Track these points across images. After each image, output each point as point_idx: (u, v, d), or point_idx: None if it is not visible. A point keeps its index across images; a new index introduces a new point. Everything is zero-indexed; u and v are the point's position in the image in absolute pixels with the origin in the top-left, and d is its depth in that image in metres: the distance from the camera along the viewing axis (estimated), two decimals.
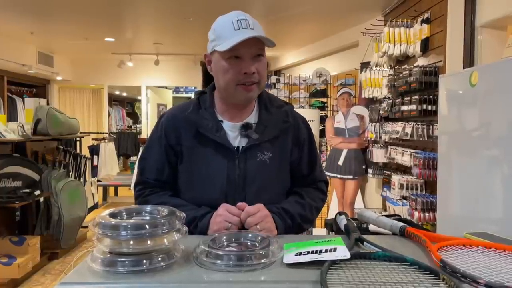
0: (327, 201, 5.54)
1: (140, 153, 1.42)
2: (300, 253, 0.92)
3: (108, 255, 0.87)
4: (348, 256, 0.86)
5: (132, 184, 5.04)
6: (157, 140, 1.32)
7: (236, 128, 1.28)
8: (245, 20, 1.18)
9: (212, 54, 1.24)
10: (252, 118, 1.31)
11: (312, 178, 1.40)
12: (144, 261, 0.86)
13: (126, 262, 0.86)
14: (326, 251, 0.90)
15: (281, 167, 1.31)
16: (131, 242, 0.87)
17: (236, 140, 1.27)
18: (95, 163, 6.00)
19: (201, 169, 1.26)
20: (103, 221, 0.89)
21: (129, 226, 0.87)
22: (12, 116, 6.77)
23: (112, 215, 0.94)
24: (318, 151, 5.14)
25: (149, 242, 0.88)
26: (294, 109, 1.40)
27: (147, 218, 0.98)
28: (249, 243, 1.00)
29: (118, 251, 0.88)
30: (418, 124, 3.44)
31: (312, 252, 0.91)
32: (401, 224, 1.14)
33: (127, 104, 11.55)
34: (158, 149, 1.31)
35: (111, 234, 0.87)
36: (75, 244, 4.53)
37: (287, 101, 1.44)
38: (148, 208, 1.01)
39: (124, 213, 0.98)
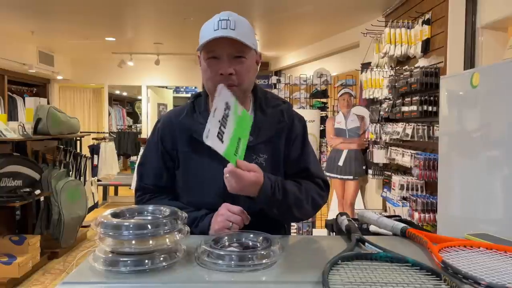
0: (327, 201, 5.53)
1: (139, 158, 1.41)
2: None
3: (110, 255, 0.88)
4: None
5: (133, 184, 5.05)
6: (154, 145, 1.32)
7: None
8: (226, 21, 1.15)
9: (201, 54, 1.24)
10: None
11: (308, 174, 1.33)
12: (146, 261, 0.86)
13: (128, 261, 0.86)
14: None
15: (277, 168, 1.29)
16: (133, 242, 0.87)
17: None
18: (95, 162, 5.99)
19: (197, 174, 1.25)
20: (105, 221, 0.89)
21: (131, 226, 0.87)
22: (12, 115, 6.78)
23: (114, 215, 0.94)
24: (319, 151, 5.09)
25: (151, 242, 0.88)
26: (293, 108, 1.37)
27: (149, 218, 0.98)
28: (250, 244, 1.00)
29: (120, 251, 0.88)
30: (418, 125, 3.44)
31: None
32: (402, 225, 1.15)
33: (127, 103, 11.56)
34: (155, 155, 1.31)
35: (113, 234, 0.87)
36: (75, 243, 4.53)
37: (286, 101, 1.40)
38: (150, 208, 1.01)
39: (126, 213, 0.99)
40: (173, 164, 1.30)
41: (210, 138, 1.01)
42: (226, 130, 1.05)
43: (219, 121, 1.04)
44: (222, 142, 1.03)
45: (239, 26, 1.16)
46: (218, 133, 1.04)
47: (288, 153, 1.31)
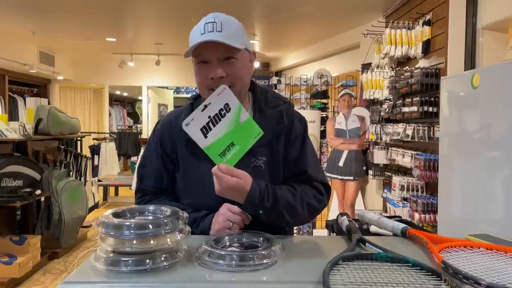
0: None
1: (139, 160, 1.41)
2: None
3: (111, 255, 0.88)
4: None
5: (133, 185, 5.05)
6: (154, 147, 1.32)
7: None
8: (213, 23, 1.13)
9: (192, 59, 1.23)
10: None
11: (306, 177, 1.28)
12: (147, 261, 0.86)
13: (129, 261, 0.86)
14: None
15: (276, 171, 1.27)
16: (134, 241, 0.87)
17: None
18: (95, 163, 6.00)
19: (196, 177, 1.24)
20: (106, 221, 0.89)
21: (132, 225, 0.87)
22: (13, 115, 6.79)
23: (116, 215, 0.95)
24: (319, 152, 5.09)
25: (152, 241, 0.88)
26: (293, 108, 1.34)
27: (150, 218, 0.98)
28: (251, 244, 1.00)
29: (121, 251, 0.88)
30: (419, 126, 3.45)
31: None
32: (403, 225, 1.15)
33: (127, 104, 11.56)
34: (155, 157, 1.31)
35: (114, 234, 0.87)
36: (76, 243, 4.53)
37: (288, 100, 1.36)
38: (151, 208, 1.01)
39: (127, 212, 0.99)
40: (173, 167, 1.30)
41: (191, 127, 1.03)
42: (216, 129, 1.06)
43: (209, 117, 1.06)
44: (206, 137, 1.05)
45: (226, 27, 1.14)
46: (204, 127, 1.05)
47: (286, 155, 1.28)
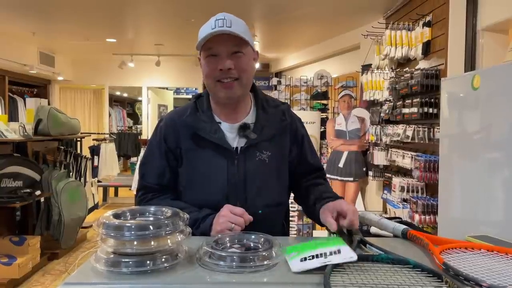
0: None
1: (140, 158, 1.42)
2: (305, 258, 0.90)
3: (112, 256, 0.88)
4: (355, 258, 0.86)
5: (133, 185, 5.04)
6: (156, 145, 1.33)
7: (234, 128, 1.30)
8: (223, 20, 1.19)
9: (200, 55, 1.28)
10: (249, 118, 1.33)
11: (320, 174, 1.45)
12: (148, 262, 0.86)
13: (130, 262, 0.86)
14: (331, 253, 0.89)
15: (280, 165, 1.33)
16: (135, 242, 0.87)
17: (235, 141, 1.29)
18: (95, 163, 5.99)
19: (201, 171, 1.27)
20: (107, 222, 0.89)
21: (133, 226, 0.87)
22: (13, 116, 6.78)
23: (116, 216, 0.95)
24: (319, 153, 5.09)
25: (152, 243, 0.88)
26: (290, 109, 1.43)
27: (151, 219, 0.98)
28: (252, 245, 1.00)
29: (122, 252, 0.88)
30: (419, 127, 3.45)
31: (317, 256, 0.89)
32: (403, 226, 1.15)
33: (127, 104, 11.56)
34: (158, 154, 1.32)
35: (115, 235, 0.87)
36: (75, 244, 4.53)
37: (285, 102, 1.48)
38: (152, 209, 1.01)
39: (127, 213, 0.99)
40: (176, 163, 1.32)
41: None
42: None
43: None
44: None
45: (235, 24, 1.20)
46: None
47: (297, 154, 1.38)
